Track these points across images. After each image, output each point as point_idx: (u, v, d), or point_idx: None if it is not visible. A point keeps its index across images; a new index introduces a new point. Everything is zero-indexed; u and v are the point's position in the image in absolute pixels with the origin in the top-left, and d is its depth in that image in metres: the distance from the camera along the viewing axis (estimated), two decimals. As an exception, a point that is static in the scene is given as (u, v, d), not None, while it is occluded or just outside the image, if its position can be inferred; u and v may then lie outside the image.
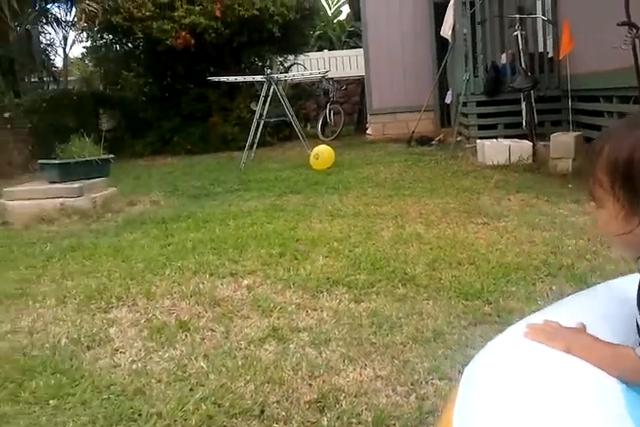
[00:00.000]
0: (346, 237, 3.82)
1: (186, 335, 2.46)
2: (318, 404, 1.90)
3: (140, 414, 1.89)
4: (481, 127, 7.53)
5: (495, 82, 7.33)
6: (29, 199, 5.16)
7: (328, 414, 1.83)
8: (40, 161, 5.73)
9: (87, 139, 5.68)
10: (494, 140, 6.82)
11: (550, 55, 7.45)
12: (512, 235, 3.63)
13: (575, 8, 6.58)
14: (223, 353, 2.27)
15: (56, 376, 2.15)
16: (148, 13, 9.66)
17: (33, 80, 12.51)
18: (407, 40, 10.44)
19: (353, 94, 13.85)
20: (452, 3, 8.47)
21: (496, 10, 7.59)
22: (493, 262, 3.11)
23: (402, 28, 10.44)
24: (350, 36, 18.43)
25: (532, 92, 6.74)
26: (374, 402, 1.89)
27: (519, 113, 6.97)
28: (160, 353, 2.32)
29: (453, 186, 5.40)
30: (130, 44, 11.38)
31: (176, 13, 9.69)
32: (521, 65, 6.93)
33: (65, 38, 12.76)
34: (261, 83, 8.73)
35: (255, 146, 8.23)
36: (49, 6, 11.44)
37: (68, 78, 13.74)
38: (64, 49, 12.95)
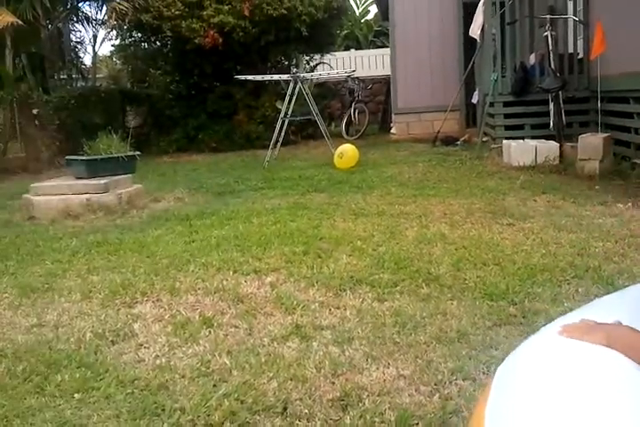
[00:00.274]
0: (369, 236, 3.80)
1: (209, 331, 2.47)
2: (341, 402, 1.89)
3: (163, 409, 1.90)
4: (507, 128, 7.45)
5: (523, 82, 7.25)
6: (56, 195, 5.22)
7: (351, 413, 1.83)
8: (67, 157, 5.80)
9: (114, 136, 5.73)
10: (520, 140, 6.74)
11: (580, 56, 7.35)
12: (538, 236, 3.58)
13: (607, 9, 6.47)
14: (246, 350, 2.28)
15: (81, 370, 2.17)
16: (177, 12, 9.74)
17: (62, 77, 12.67)
18: (434, 40, 10.37)
19: (378, 93, 13.81)
20: (481, 3, 8.39)
21: (526, 10, 7.50)
22: (519, 263, 3.08)
23: (430, 28, 10.37)
24: (377, 36, 18.39)
25: (560, 92, 6.65)
26: (397, 401, 1.88)
27: (547, 114, 6.88)
28: (184, 349, 2.33)
29: (478, 186, 5.35)
30: (158, 43, 11.48)
31: (205, 12, 9.74)
32: (550, 66, 6.85)
33: (94, 36, 12.90)
34: (287, 81, 8.74)
35: (279, 144, 8.25)
36: (80, 5, 11.57)
37: (97, 76, 13.89)
38: (93, 47, 13.10)
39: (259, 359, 2.19)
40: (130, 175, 5.71)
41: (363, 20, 19.44)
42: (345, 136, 10.93)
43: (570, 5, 7.64)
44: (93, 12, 12.07)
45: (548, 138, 6.64)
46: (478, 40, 8.76)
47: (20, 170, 8.58)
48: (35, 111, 9.32)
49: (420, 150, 8.57)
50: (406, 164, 7.15)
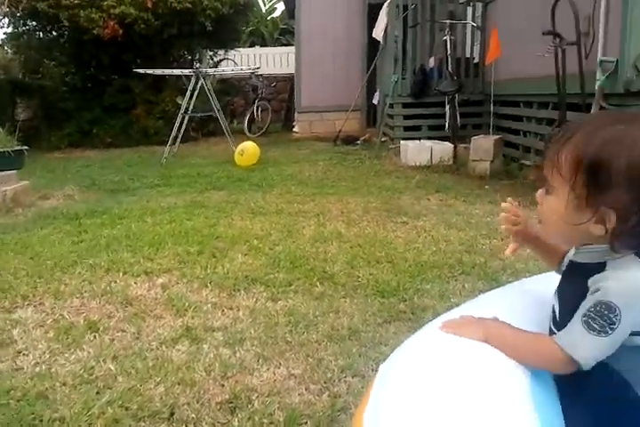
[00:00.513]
0: (266, 234, 3.79)
1: (94, 336, 2.36)
2: (230, 404, 1.86)
3: (41, 420, 1.79)
4: (406, 129, 7.68)
5: (422, 85, 7.48)
6: None
7: (239, 415, 1.80)
8: (-54, 151, 5.41)
9: (0, 129, 5.42)
10: (417, 141, 6.96)
11: (476, 61, 7.67)
12: (429, 234, 3.70)
13: (504, 16, 6.79)
14: (133, 354, 2.20)
15: (-50, 381, 2.02)
16: (75, 1, 9.31)
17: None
18: (339, 40, 10.49)
19: (282, 91, 13.82)
20: (385, 4, 8.57)
21: (428, 14, 7.73)
22: (410, 261, 3.16)
23: (335, 28, 10.48)
24: (283, 34, 18.43)
25: (456, 95, 6.92)
26: (287, 401, 1.87)
27: (443, 116, 7.15)
28: (66, 355, 2.21)
29: (376, 185, 5.47)
30: (54, 32, 10.90)
31: (105, 3, 9.39)
32: (447, 69, 7.11)
33: (-16, 23, 12.08)
34: (189, 76, 8.56)
35: (179, 141, 8.06)
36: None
37: (-17, 65, 13.01)
38: (-20, 34, 12.27)
39: (146, 364, 2.12)
40: (16, 171, 5.41)
41: (269, 18, 19.43)
42: (247, 133, 10.87)
43: (469, 11, 7.95)
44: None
45: (443, 139, 6.90)
46: (381, 42, 8.95)
47: None
48: None
49: (321, 149, 8.65)
50: (307, 162, 7.20)
